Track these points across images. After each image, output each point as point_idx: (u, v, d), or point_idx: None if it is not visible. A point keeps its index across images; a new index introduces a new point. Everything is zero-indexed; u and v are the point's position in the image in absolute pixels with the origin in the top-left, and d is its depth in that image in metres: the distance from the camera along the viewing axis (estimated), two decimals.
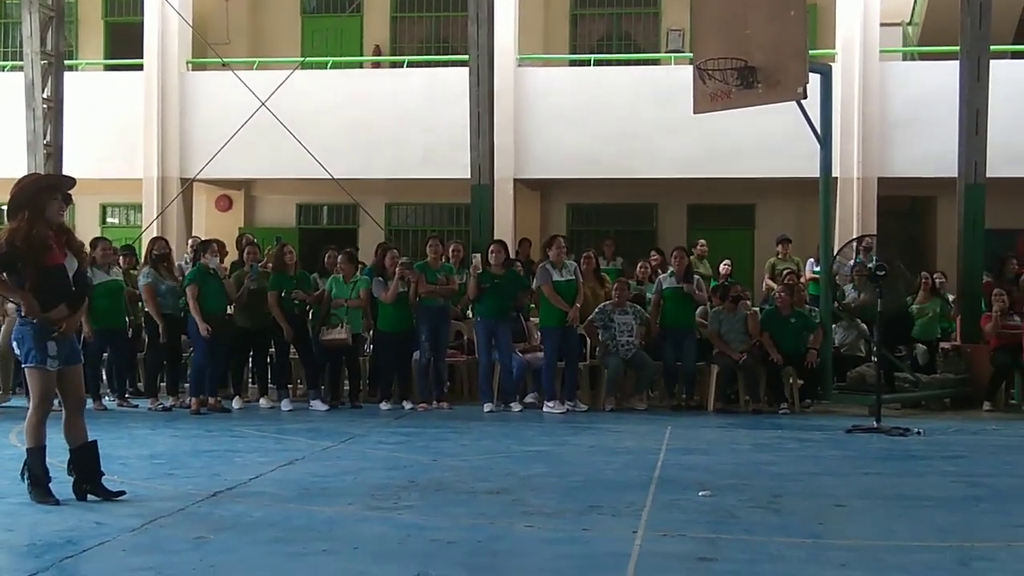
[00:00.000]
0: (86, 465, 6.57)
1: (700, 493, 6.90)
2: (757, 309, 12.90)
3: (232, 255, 13.06)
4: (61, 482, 6.53)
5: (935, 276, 13.83)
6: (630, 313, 11.92)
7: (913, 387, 12.07)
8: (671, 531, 5.89)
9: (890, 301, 11.72)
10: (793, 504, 6.72)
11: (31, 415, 6.48)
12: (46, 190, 6.53)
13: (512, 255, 13.60)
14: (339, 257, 12.09)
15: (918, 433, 9.90)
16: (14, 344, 6.58)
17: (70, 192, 6.72)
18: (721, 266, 14.92)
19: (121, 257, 12.49)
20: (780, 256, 15.10)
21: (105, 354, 11.90)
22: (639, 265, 13.82)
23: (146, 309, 11.77)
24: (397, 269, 11.70)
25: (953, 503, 6.88)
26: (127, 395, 11.91)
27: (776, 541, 5.70)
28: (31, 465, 6.48)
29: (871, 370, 11.39)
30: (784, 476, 7.81)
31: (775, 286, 13.70)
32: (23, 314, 6.44)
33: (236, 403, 11.72)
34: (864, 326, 12.79)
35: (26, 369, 6.54)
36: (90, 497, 6.51)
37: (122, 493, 6.61)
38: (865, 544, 5.69)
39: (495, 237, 13.26)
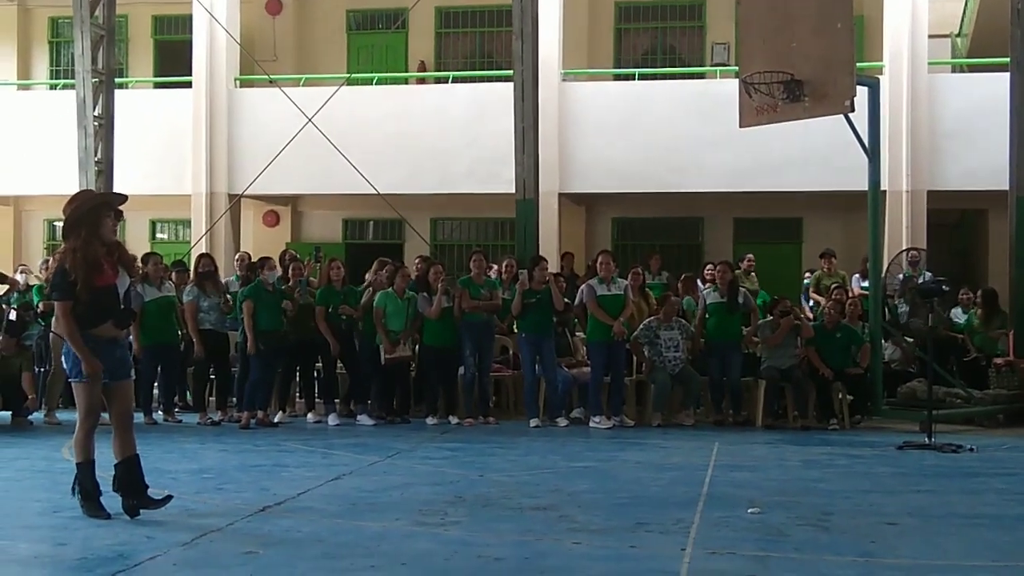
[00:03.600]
0: (130, 479, 6.54)
1: (749, 510, 6.84)
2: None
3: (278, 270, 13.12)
4: (113, 496, 6.57)
5: (963, 293, 13.66)
6: (676, 328, 11.85)
7: (965, 403, 11.90)
8: (720, 549, 5.84)
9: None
10: (843, 522, 6.64)
11: (78, 429, 6.53)
12: (102, 207, 6.59)
13: (559, 270, 13.63)
14: (396, 272, 11.96)
15: (971, 450, 9.77)
16: (63, 359, 6.65)
17: (120, 208, 6.79)
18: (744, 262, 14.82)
19: (174, 273, 12.60)
20: (825, 270, 14.96)
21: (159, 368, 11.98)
22: (681, 278, 13.76)
23: None
24: (440, 284, 11.71)
25: (1007, 521, 6.77)
26: (176, 409, 12.02)
27: (826, 560, 5.63)
28: (81, 479, 6.54)
29: (922, 386, 11.25)
30: (834, 493, 7.72)
31: (822, 300, 13.59)
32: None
33: (279, 416, 11.79)
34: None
35: (72, 384, 6.60)
36: (142, 512, 6.51)
37: (170, 498, 6.61)
38: (917, 563, 5.61)
39: (540, 252, 13.26)
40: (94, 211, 6.51)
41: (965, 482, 8.39)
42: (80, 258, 6.35)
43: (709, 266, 14.05)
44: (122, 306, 6.57)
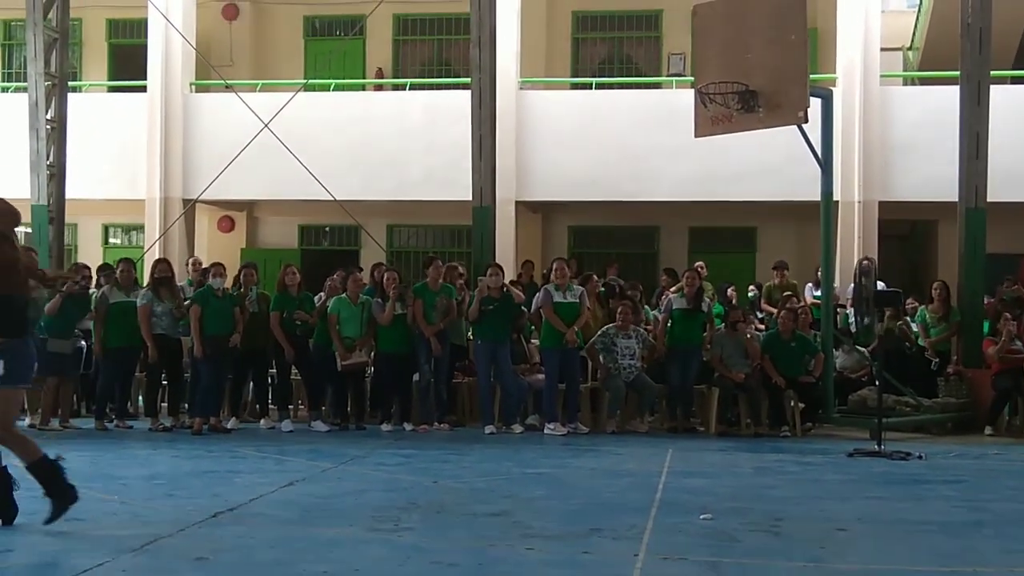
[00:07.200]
0: None
1: (701, 516, 6.89)
2: (757, 333, 12.90)
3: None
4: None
5: (911, 303, 13.79)
6: (633, 336, 11.91)
7: (915, 411, 12.05)
8: (672, 554, 5.88)
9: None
10: (794, 528, 6.71)
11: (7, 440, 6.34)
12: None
13: (516, 277, 13.66)
14: (348, 278, 11.96)
15: (920, 457, 9.89)
16: None
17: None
18: (728, 291, 14.94)
19: (102, 276, 12.39)
20: (777, 283, 15.05)
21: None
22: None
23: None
24: (392, 291, 11.69)
25: (955, 528, 6.87)
26: (127, 415, 11.89)
27: (777, 565, 5.69)
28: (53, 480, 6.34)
29: (872, 394, 11.38)
30: (785, 500, 7.80)
31: (773, 311, 13.69)
32: None
33: (232, 423, 11.70)
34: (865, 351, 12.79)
35: None
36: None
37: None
38: (866, 568, 5.68)
39: (496, 259, 13.29)
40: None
41: (914, 489, 8.49)
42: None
43: (664, 275, 14.15)
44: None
